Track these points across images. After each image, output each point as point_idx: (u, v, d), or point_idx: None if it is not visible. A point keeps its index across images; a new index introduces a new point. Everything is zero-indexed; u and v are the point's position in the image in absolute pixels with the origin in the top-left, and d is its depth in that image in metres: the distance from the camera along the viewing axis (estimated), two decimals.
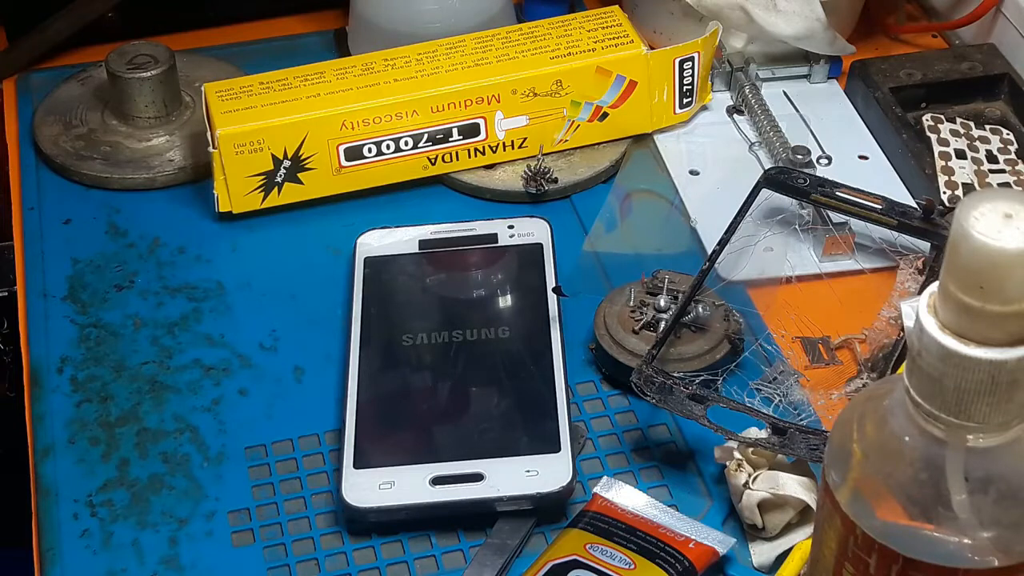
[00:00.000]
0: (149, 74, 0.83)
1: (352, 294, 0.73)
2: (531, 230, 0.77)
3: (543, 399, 0.67)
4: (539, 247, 0.76)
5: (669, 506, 0.63)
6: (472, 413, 0.67)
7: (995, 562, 0.46)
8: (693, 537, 0.61)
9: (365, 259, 0.76)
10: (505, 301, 0.74)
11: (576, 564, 0.60)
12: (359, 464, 0.65)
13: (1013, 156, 0.81)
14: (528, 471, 0.63)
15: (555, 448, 0.64)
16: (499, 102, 0.80)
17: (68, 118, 0.86)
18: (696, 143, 0.85)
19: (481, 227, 0.77)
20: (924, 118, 0.84)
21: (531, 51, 0.81)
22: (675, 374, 0.66)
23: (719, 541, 0.62)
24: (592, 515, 0.62)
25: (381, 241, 0.77)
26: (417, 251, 0.76)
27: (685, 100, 0.84)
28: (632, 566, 0.60)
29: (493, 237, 0.76)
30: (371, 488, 0.63)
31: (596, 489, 0.64)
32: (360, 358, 0.70)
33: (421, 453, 0.65)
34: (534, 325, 0.71)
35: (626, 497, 0.63)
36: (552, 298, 0.72)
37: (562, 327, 0.71)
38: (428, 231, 0.77)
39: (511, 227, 0.77)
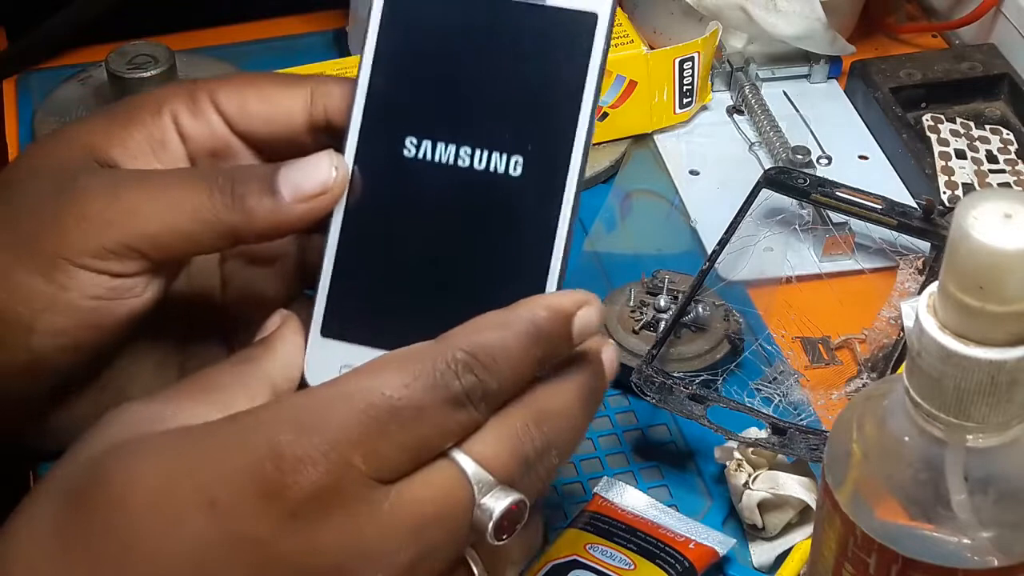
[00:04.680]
0: (149, 74, 0.83)
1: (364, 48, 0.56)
2: None
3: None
4: (592, 20, 0.54)
5: (669, 506, 0.63)
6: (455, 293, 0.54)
7: (995, 562, 0.46)
8: (693, 537, 0.61)
9: None
10: (527, 112, 0.54)
11: (576, 564, 0.60)
12: (328, 331, 0.55)
13: (1013, 156, 0.81)
14: None
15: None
16: None
17: (68, 118, 0.86)
18: (696, 143, 0.85)
19: None
20: (924, 118, 0.84)
21: None
22: (675, 374, 0.65)
23: (719, 542, 0.61)
24: (592, 515, 0.62)
25: None
26: None
27: (685, 100, 0.84)
28: (632, 566, 0.60)
29: None
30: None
31: (596, 489, 0.64)
32: (357, 156, 0.55)
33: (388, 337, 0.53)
34: (550, 158, 0.54)
35: (626, 497, 0.63)
36: (584, 114, 0.53)
37: (585, 161, 0.54)
38: None
39: None
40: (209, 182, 0.54)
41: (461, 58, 0.54)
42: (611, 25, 0.54)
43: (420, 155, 0.54)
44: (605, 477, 0.64)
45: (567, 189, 0.53)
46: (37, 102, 0.88)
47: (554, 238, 0.53)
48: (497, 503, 0.48)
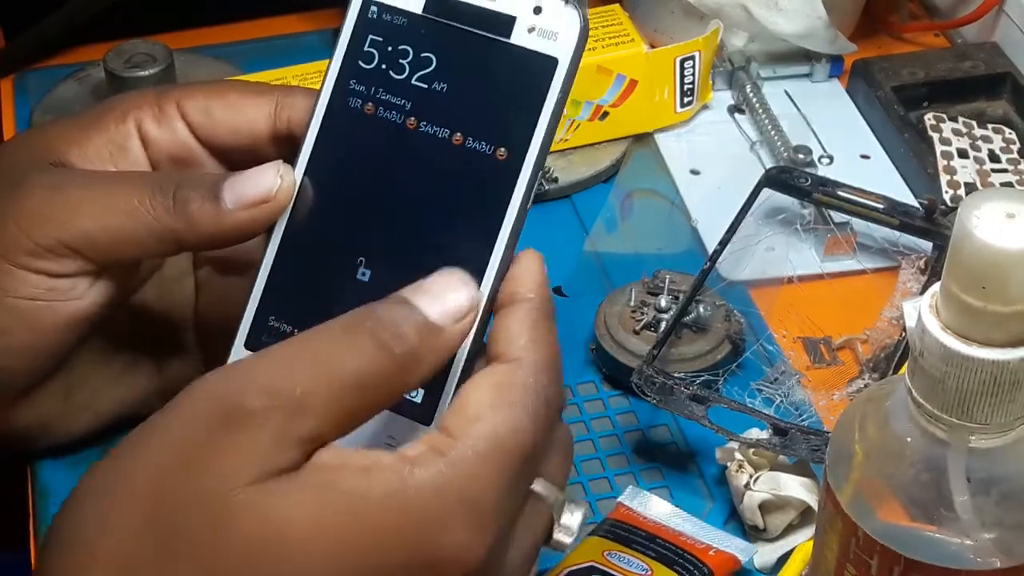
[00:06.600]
0: (147, 73, 0.83)
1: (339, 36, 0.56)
2: (557, 28, 0.53)
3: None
4: (552, 64, 0.53)
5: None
6: None
7: (997, 563, 0.46)
8: (713, 544, 0.61)
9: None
10: (478, 144, 0.54)
11: (593, 570, 0.59)
12: (252, 344, 0.53)
13: (1015, 155, 0.81)
14: None
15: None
16: None
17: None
18: (697, 142, 0.85)
19: (503, 4, 0.54)
20: (926, 117, 0.83)
21: None
22: (676, 374, 0.65)
23: (740, 549, 0.61)
24: (613, 523, 0.62)
25: None
26: (420, 12, 0.55)
27: (686, 99, 0.84)
28: (649, 572, 0.59)
29: (508, 24, 0.54)
30: None
31: (620, 498, 0.63)
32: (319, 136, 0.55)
33: None
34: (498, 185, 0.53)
35: (650, 506, 0.63)
36: (524, 173, 0.53)
37: (531, 191, 0.53)
38: None
39: (538, 10, 0.53)
40: (152, 185, 0.54)
41: (420, 84, 0.54)
42: (572, 73, 0.53)
43: (372, 171, 0.54)
44: (631, 486, 0.64)
45: (511, 207, 0.52)
46: (35, 101, 0.88)
47: (489, 262, 0.52)
48: (574, 520, 0.50)
